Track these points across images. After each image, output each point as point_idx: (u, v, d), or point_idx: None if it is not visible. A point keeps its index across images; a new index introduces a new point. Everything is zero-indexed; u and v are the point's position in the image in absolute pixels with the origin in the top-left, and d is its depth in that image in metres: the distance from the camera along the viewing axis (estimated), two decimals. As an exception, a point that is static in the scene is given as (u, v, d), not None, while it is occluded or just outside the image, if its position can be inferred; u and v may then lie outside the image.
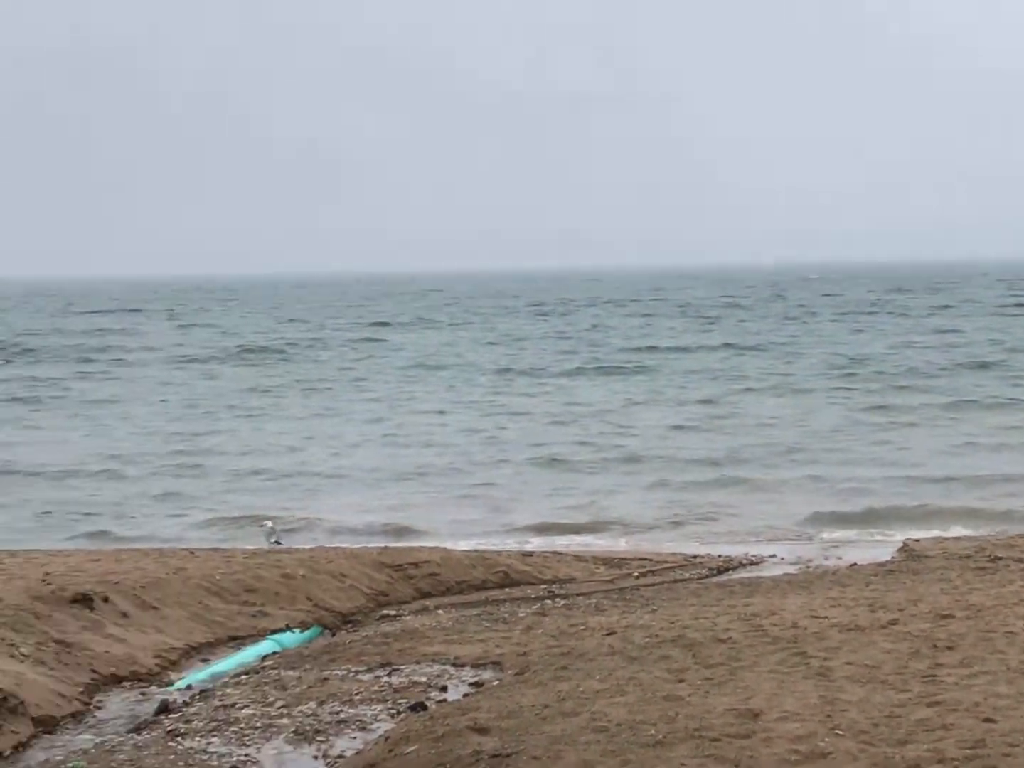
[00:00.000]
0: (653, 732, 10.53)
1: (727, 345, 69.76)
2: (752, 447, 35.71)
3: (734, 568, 22.55)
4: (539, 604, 18.63)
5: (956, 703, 11.18)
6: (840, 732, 10.39)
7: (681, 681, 12.33)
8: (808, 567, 22.22)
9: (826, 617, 15.77)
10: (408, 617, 18.49)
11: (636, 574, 21.63)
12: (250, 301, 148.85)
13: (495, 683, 13.39)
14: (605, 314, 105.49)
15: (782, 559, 23.38)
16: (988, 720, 10.64)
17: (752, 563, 23.08)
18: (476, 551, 22.27)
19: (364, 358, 66.80)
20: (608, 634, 15.48)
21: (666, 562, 22.73)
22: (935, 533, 25.19)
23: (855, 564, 21.89)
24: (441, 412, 44.03)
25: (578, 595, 19.65)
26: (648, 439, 37.74)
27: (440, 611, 18.89)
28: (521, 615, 17.56)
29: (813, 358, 61.00)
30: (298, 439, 38.46)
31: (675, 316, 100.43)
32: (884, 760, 9.65)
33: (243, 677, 14.82)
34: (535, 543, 25.33)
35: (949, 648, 13.42)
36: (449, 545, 23.44)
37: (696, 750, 10.04)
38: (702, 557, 23.34)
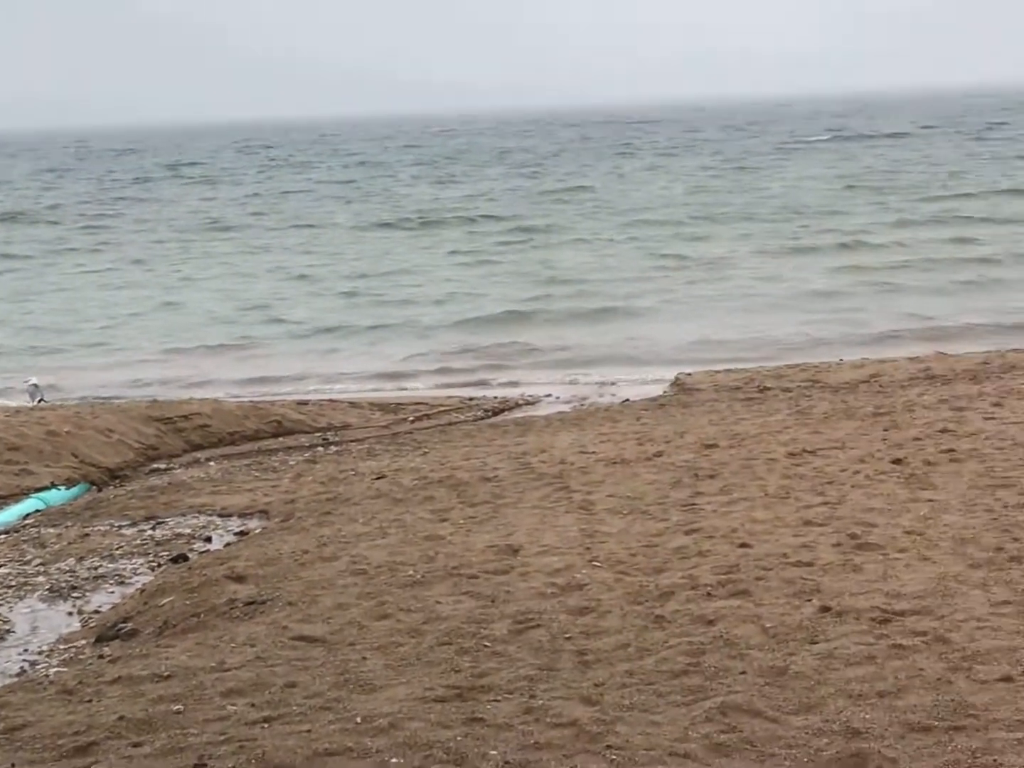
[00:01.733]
0: (411, 572, 10.32)
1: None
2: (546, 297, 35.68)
3: (510, 409, 22.46)
4: (311, 452, 18.32)
5: (713, 530, 11.16)
6: (598, 564, 10.28)
7: (444, 521, 12.14)
8: (582, 405, 22.21)
9: (594, 452, 15.72)
10: (178, 470, 18.03)
11: (411, 418, 21.42)
12: None
13: (259, 531, 13.06)
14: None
15: (558, 398, 23.34)
16: (744, 545, 10.63)
17: (528, 403, 23.00)
18: (250, 402, 21.80)
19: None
20: (377, 478, 15.23)
21: (442, 406, 22.55)
22: (707, 368, 25.34)
23: (628, 400, 21.93)
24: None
25: (352, 441, 19.37)
26: (429, 290, 37.53)
27: (212, 463, 18.47)
28: (292, 463, 17.23)
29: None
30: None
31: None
32: (639, 589, 9.55)
33: (1, 537, 14.27)
34: (312, 391, 24.92)
35: (711, 477, 13.43)
36: (222, 396, 22.94)
37: (453, 588, 9.86)
38: (478, 399, 23.20)
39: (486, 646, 8.46)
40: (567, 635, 8.61)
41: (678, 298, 34.21)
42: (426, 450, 17.47)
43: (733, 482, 13.11)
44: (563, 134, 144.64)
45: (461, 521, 12.05)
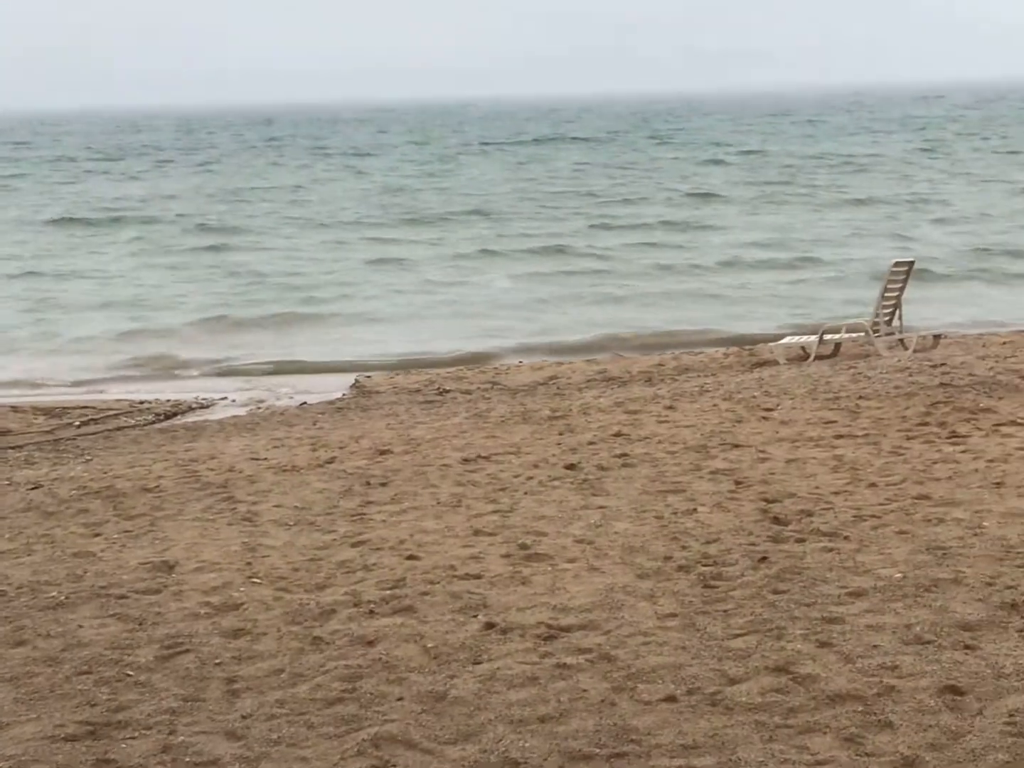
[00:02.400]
0: (56, 593, 9.57)
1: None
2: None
3: (183, 412, 21.64)
4: (-39, 460, 17.18)
5: (381, 541, 10.71)
6: (257, 580, 9.72)
7: (97, 536, 11.38)
8: (259, 408, 21.55)
9: (265, 459, 15.13)
10: None
11: (77, 423, 20.40)
12: None
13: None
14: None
15: (233, 401, 22.61)
16: (411, 558, 10.21)
17: (202, 406, 22.21)
18: None
19: None
20: (33, 488, 14.31)
21: (111, 409, 21.57)
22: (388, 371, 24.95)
23: (304, 403, 21.37)
24: None
25: (10, 448, 18.29)
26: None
27: None
28: (-59, 473, 16.09)
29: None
30: None
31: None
32: (299, 607, 9.03)
33: None
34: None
35: (383, 484, 12.99)
36: None
37: (100, 609, 9.16)
38: (150, 403, 22.30)
39: (128, 675, 7.81)
40: (217, 661, 8.03)
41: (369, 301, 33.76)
42: (89, 457, 16.59)
43: (405, 490, 12.70)
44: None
45: (115, 536, 11.31)
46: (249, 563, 10.22)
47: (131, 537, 11.24)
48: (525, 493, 12.36)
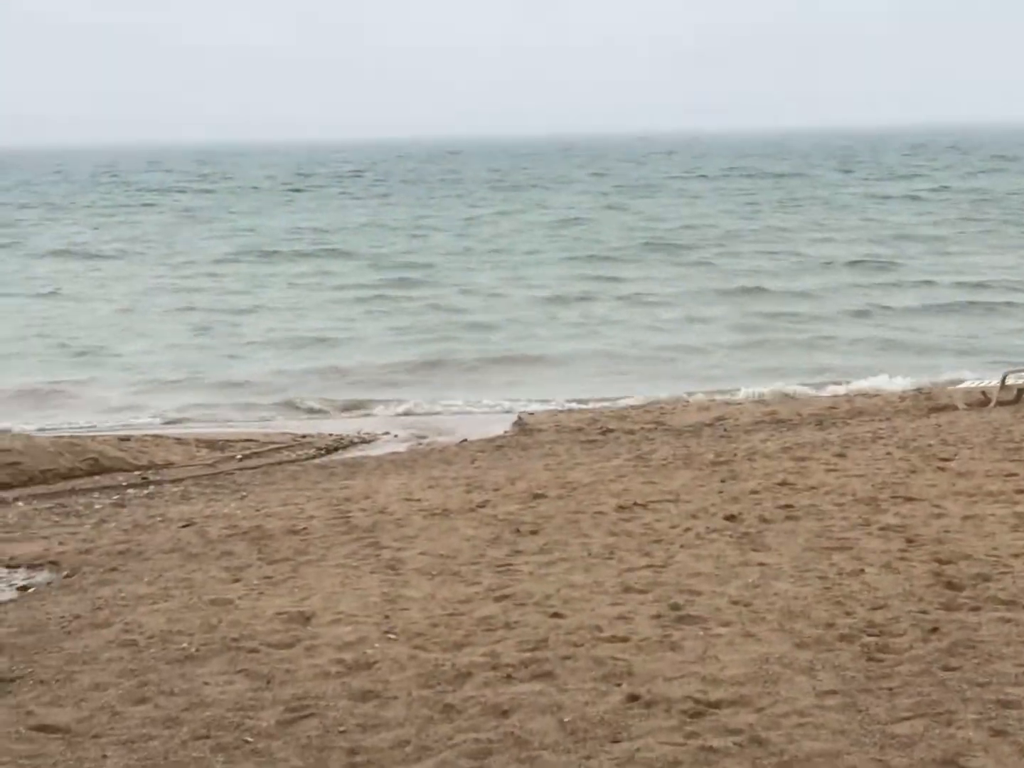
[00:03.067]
0: (186, 645, 9.15)
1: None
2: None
3: (345, 447, 21.36)
4: (121, 494, 17.01)
5: (526, 596, 10.13)
6: (393, 636, 9.20)
7: (237, 581, 10.98)
8: (420, 444, 21.15)
9: (418, 500, 14.68)
10: (-18, 511, 16.63)
11: (239, 456, 20.21)
12: None
13: (41, 589, 11.80)
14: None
15: (396, 436, 22.28)
16: (556, 615, 9.62)
17: (364, 441, 21.92)
18: (65, 437, 20.41)
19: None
20: (185, 526, 14.04)
21: (273, 442, 21.37)
22: (551, 406, 24.40)
23: (465, 440, 20.91)
24: None
25: (170, 481, 18.12)
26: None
27: (19, 503, 17.10)
28: (98, 507, 15.94)
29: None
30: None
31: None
32: (433, 668, 8.49)
33: None
34: (139, 426, 23.55)
35: (533, 533, 12.42)
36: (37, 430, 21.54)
37: (229, 664, 8.71)
38: (312, 436, 22.06)
39: (247, 742, 7.33)
40: (342, 728, 7.51)
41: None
42: (244, 493, 16.30)
43: (556, 539, 12.11)
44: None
45: (256, 582, 10.90)
46: (387, 616, 9.71)
47: (271, 584, 10.81)
48: (681, 546, 11.71)
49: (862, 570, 10.66)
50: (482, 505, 13.87)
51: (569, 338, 33.10)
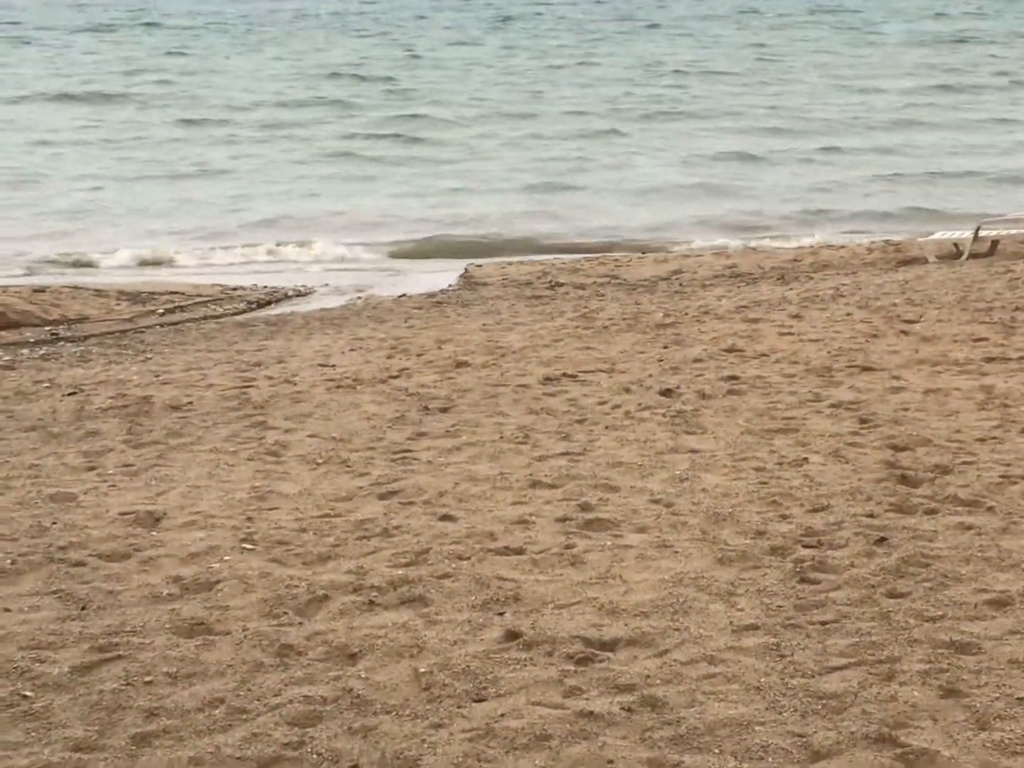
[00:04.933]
0: (4, 554, 7.65)
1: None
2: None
3: (278, 301, 19.76)
4: (14, 354, 15.40)
5: (417, 492, 8.64)
6: (250, 545, 7.72)
7: (91, 470, 9.46)
8: (358, 299, 19.52)
9: (333, 366, 13.17)
10: None
11: (161, 311, 18.60)
12: None
13: None
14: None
15: (335, 288, 20.64)
16: (446, 518, 8.14)
17: (299, 294, 20.28)
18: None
19: None
20: (70, 394, 12.52)
21: (201, 296, 19.71)
22: (501, 259, 22.76)
23: (403, 295, 19.30)
24: None
25: (77, 339, 16.53)
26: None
27: (-88, 362, 15.51)
28: (-15, 369, 14.34)
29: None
30: None
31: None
32: (284, 592, 7.01)
33: None
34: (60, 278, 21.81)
35: (443, 410, 10.91)
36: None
37: (44, 582, 7.23)
38: (245, 289, 20.41)
39: (24, 697, 5.84)
40: (148, 678, 6.02)
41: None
42: (149, 355, 14.76)
43: (467, 418, 10.60)
44: None
45: (111, 470, 9.38)
46: (250, 518, 8.21)
47: (128, 474, 9.29)
48: (606, 428, 10.21)
49: (806, 459, 9.20)
50: (397, 375, 12.35)
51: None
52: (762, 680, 5.83)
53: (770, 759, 5.18)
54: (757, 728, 5.39)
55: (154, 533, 7.96)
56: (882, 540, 7.58)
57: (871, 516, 7.99)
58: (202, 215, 26.74)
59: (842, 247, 22.02)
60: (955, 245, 20.02)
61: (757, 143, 35.01)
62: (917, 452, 9.30)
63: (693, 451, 9.46)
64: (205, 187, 29.80)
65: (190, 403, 11.41)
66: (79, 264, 22.67)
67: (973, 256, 19.44)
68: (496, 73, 52.90)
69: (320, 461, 9.42)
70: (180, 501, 8.55)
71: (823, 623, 6.45)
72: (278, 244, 24.15)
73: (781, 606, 6.67)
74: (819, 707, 5.57)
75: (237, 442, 10.01)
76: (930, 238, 20.35)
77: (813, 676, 5.87)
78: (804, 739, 5.30)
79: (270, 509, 8.36)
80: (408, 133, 37.42)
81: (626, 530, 7.87)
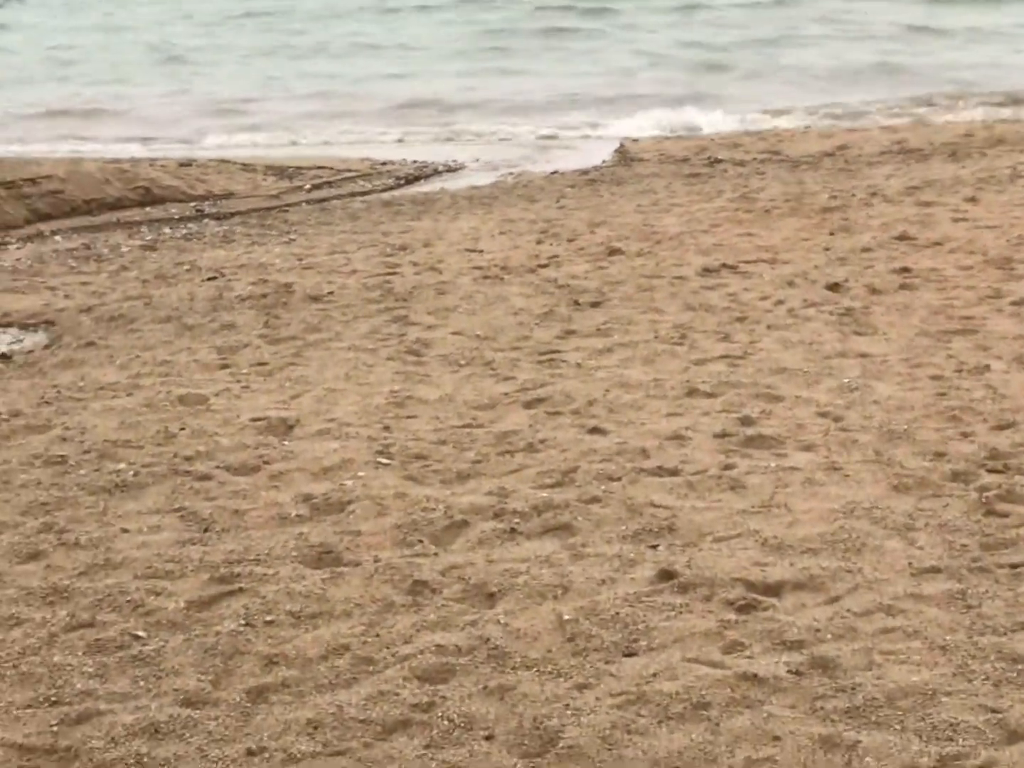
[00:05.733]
0: (125, 466, 7.20)
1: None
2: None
3: (427, 176, 19.09)
4: (159, 232, 15.00)
5: (565, 400, 8.05)
6: (386, 459, 7.18)
7: (224, 367, 8.99)
8: (509, 174, 18.80)
9: (480, 251, 12.57)
10: (12, 248, 14.76)
11: (308, 187, 18.07)
12: None
13: (20, 359, 9.91)
14: None
15: (486, 163, 19.92)
16: (595, 431, 7.54)
17: (450, 170, 19.59)
18: (127, 161, 18.38)
19: None
20: (210, 278, 12.09)
21: (349, 170, 19.14)
22: (655, 133, 21.82)
23: (556, 172, 18.53)
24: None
25: (221, 217, 16.10)
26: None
27: (58, 237, 15.24)
28: (125, 249, 13.96)
29: None
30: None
31: None
32: (420, 515, 6.47)
33: None
34: (211, 149, 21.39)
35: (595, 305, 10.25)
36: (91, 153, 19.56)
37: (167, 499, 6.78)
38: (394, 164, 19.76)
39: (136, 638, 5.37)
40: (269, 617, 5.52)
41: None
42: (293, 236, 14.26)
43: (620, 314, 9.94)
44: None
45: (245, 369, 8.90)
46: (387, 427, 7.67)
47: (262, 373, 8.80)
48: (768, 327, 9.49)
49: (987, 366, 8.41)
50: (546, 264, 11.70)
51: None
52: (948, 638, 5.17)
53: (960, 739, 4.53)
54: (943, 699, 4.75)
55: (286, 443, 7.46)
56: (1077, 468, 6.81)
57: (1064, 436, 7.20)
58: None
59: (1018, 121, 20.72)
60: None
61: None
62: (1113, 359, 8.45)
63: (863, 355, 8.72)
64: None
65: (331, 293, 10.88)
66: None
67: None
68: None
69: (463, 363, 8.84)
70: (315, 406, 8.03)
71: (1013, 566, 5.75)
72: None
73: (965, 544, 5.98)
74: (1013, 674, 4.90)
75: (377, 339, 9.46)
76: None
77: (1005, 634, 5.20)
78: (999, 716, 4.63)
79: (409, 417, 7.81)
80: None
81: (791, 448, 7.20)
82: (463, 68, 28.66)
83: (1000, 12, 32.47)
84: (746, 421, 7.57)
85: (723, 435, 7.39)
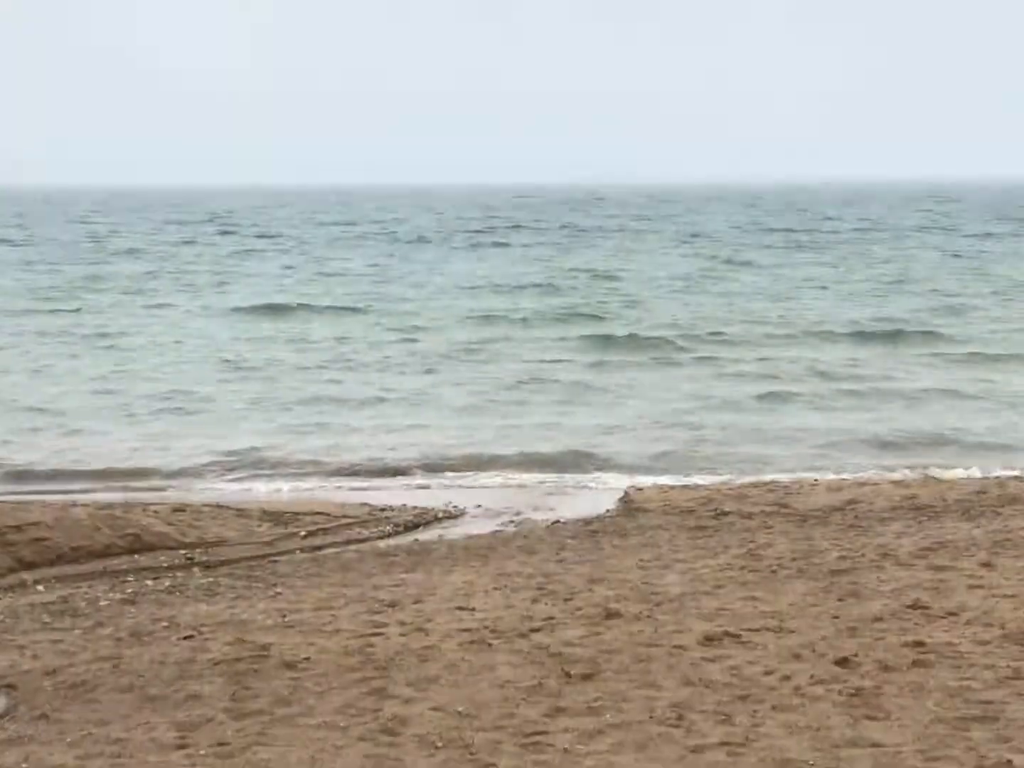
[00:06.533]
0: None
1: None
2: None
3: (427, 523, 18.60)
4: (141, 584, 14.44)
5: (548, 796, 7.28)
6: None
7: (181, 748, 8.29)
8: (510, 523, 18.33)
9: (472, 610, 11.96)
10: (-9, 599, 14.17)
11: (303, 533, 17.58)
12: None
13: (-32, 730, 9.20)
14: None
15: (487, 510, 19.45)
16: (579, 833, 6.75)
17: (449, 516, 19.12)
18: (108, 507, 17.96)
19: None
20: (186, 637, 11.46)
21: (346, 516, 18.68)
22: (664, 480, 21.43)
23: (558, 521, 18.07)
24: None
25: (210, 565, 15.56)
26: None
27: (40, 587, 14.67)
28: (104, 603, 13.37)
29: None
30: None
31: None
32: None
33: None
34: (202, 492, 20.99)
35: (586, 678, 9.59)
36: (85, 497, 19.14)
37: None
38: (394, 509, 19.30)
39: None
40: None
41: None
42: (280, 590, 13.67)
43: (614, 689, 9.27)
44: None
45: (204, 750, 8.20)
46: (353, 821, 6.92)
47: (222, 756, 8.10)
48: (772, 707, 8.81)
49: (1009, 762, 7.69)
50: (539, 627, 11.06)
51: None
52: None
53: None
54: None
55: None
56: None
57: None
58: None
59: (1030, 478, 20.33)
60: None
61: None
62: None
63: (875, 745, 8.04)
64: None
65: (307, 659, 10.23)
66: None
67: None
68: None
69: (440, 744, 8.15)
70: (276, 795, 7.31)
71: None
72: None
73: None
74: None
75: (350, 714, 8.78)
76: None
77: None
78: None
79: (378, 809, 7.08)
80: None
81: (796, 863, 6.43)
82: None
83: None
84: (746, 827, 6.84)
85: (720, 844, 6.65)
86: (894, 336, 37.54)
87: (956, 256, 67.41)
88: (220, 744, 8.27)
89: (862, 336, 37.64)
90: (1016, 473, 20.88)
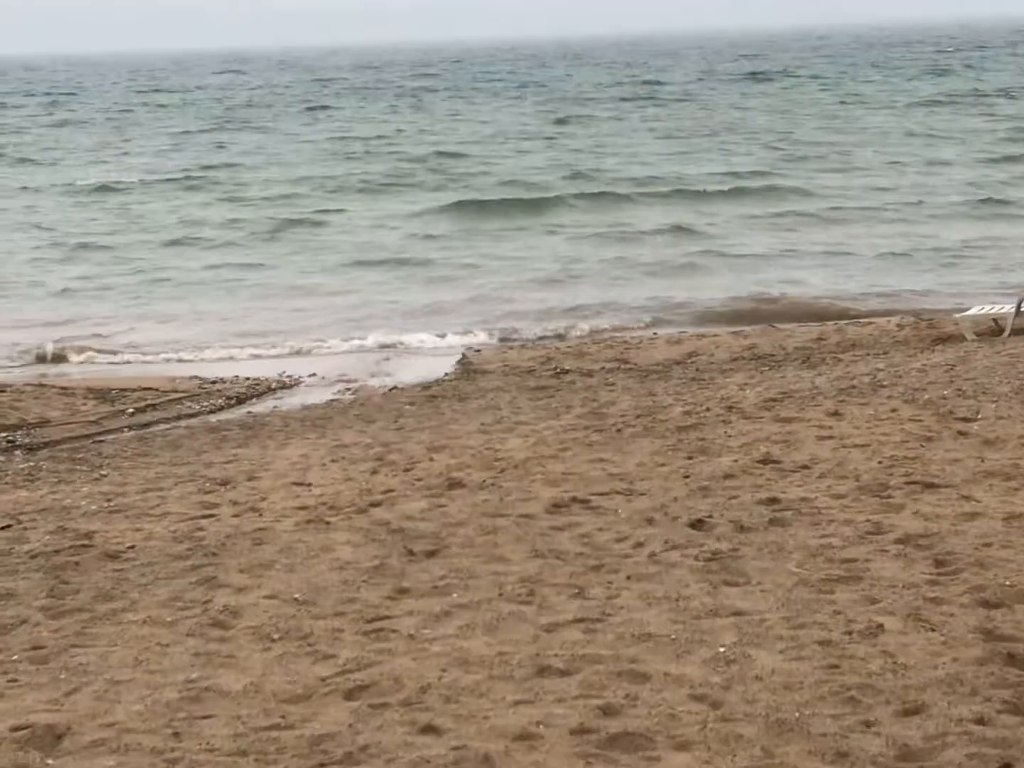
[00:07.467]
0: None
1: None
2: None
3: (260, 395, 17.83)
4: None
5: (393, 689, 6.72)
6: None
7: (-9, 656, 7.47)
8: (347, 391, 17.60)
9: (309, 485, 11.28)
10: None
11: (131, 410, 16.66)
12: None
13: None
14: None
15: (323, 378, 18.69)
16: (427, 730, 6.20)
17: (283, 386, 18.34)
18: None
19: None
20: (2, 528, 10.58)
21: (175, 391, 17.78)
22: (496, 339, 20.81)
23: (395, 388, 17.37)
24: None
25: (33, 447, 14.60)
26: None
27: None
28: (-85, 495, 12.37)
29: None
30: None
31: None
32: None
33: None
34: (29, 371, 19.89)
35: (431, 555, 8.94)
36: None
37: None
38: (226, 382, 18.44)
39: None
40: None
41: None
42: (105, 472, 12.79)
43: (460, 565, 8.64)
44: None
45: (17, 655, 7.42)
46: (177, 733, 6.23)
47: (36, 661, 7.32)
48: (627, 577, 8.26)
49: (880, 625, 7.24)
50: (379, 501, 10.38)
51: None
52: None
53: None
54: None
55: (50, 761, 5.97)
56: (1007, 767, 5.59)
57: (982, 723, 6.00)
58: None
59: (869, 323, 20.09)
60: (994, 321, 18.10)
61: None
62: (1016, 611, 7.33)
63: (737, 613, 7.51)
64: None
65: (132, 547, 9.43)
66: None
67: (1016, 333, 17.52)
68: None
69: (276, 636, 7.45)
70: (92, 706, 6.58)
71: None
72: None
73: None
74: None
75: (178, 607, 8.03)
76: (965, 314, 18.42)
77: None
78: None
79: (204, 717, 6.39)
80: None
81: (663, 748, 5.92)
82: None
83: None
84: (608, 711, 6.28)
85: (581, 731, 6.09)
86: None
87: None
88: (35, 648, 7.48)
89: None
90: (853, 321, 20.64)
